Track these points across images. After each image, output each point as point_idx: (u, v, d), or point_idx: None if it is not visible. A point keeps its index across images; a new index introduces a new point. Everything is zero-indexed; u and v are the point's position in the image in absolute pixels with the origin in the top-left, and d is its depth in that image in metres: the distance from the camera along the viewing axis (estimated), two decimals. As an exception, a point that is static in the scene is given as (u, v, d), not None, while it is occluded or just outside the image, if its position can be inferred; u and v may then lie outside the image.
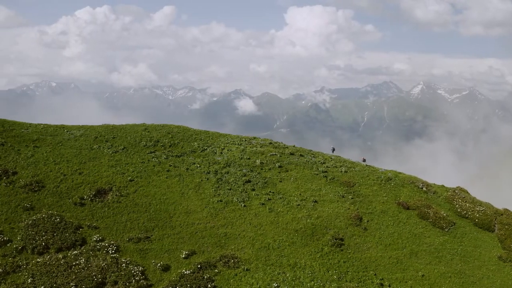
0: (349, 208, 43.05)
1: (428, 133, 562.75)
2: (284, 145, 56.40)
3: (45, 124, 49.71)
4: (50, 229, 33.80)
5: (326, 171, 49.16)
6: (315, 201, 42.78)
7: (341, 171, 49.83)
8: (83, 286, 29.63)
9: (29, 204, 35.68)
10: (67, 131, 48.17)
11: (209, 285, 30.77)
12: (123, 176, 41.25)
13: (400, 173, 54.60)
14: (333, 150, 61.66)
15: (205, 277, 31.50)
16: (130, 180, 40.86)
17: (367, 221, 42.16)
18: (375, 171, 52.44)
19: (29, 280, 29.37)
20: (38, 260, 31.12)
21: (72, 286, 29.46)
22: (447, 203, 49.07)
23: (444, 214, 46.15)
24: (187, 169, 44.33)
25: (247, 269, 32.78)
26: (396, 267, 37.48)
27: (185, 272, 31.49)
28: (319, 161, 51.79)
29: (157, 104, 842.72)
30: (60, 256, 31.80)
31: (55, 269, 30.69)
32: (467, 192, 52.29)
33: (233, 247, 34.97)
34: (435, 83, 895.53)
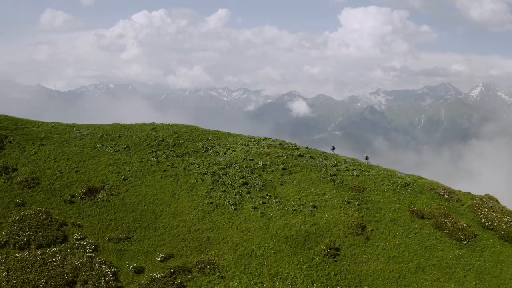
0: (352, 215, 39.84)
1: (487, 137, 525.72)
2: (295, 146, 53.81)
3: (56, 123, 51.02)
4: (34, 225, 34.14)
5: (335, 175, 46.09)
6: (314, 207, 40.03)
7: (352, 175, 46.48)
8: (53, 283, 29.42)
9: (21, 200, 36.37)
10: (76, 130, 49.07)
11: (178, 291, 29.44)
12: (117, 175, 41.08)
13: (421, 178, 50.10)
14: (333, 148, 58.27)
15: (176, 282, 30.17)
16: (124, 179, 40.57)
17: (371, 230, 38.73)
18: (392, 175, 48.45)
19: (3, 274, 29.63)
20: (17, 255, 31.41)
21: (43, 282, 29.35)
22: (470, 213, 44.16)
23: (465, 225, 41.47)
24: (184, 169, 43.37)
25: (222, 277, 31.00)
26: (397, 282, 33.91)
27: (156, 276, 30.35)
28: (330, 163, 48.75)
29: (212, 106, 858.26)
30: (39, 252, 31.93)
31: (31, 264, 30.77)
32: (497, 201, 46.80)
33: (213, 252, 33.34)
34: (494, 84, 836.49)
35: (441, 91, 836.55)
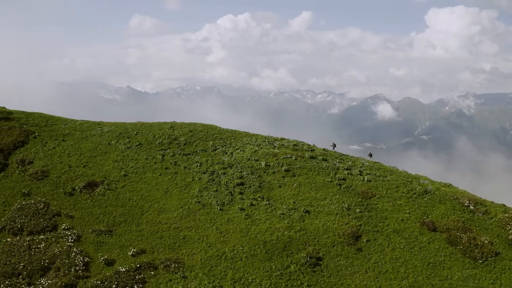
0: (348, 223, 36.83)
1: None
2: (311, 147, 51.24)
3: (83, 121, 54.34)
4: (31, 214, 36.66)
5: (344, 179, 43.05)
6: (307, 211, 37.71)
7: (364, 180, 43.02)
8: (30, 268, 31.38)
9: (27, 191, 39.29)
10: (99, 127, 51.84)
11: (135, 286, 29.58)
12: (120, 171, 42.52)
13: (447, 186, 44.81)
14: (334, 146, 54.30)
15: (137, 277, 30.37)
16: (124, 175, 41.89)
17: (367, 240, 35.45)
18: (412, 182, 43.89)
19: (-8, 256, 32.24)
20: (8, 239, 34.00)
21: (21, 266, 31.44)
22: (498, 227, 38.40)
23: (486, 241, 36.18)
24: (185, 167, 43.55)
25: (184, 276, 30.49)
26: (382, 300, 30.63)
27: (121, 270, 30.83)
28: (343, 167, 45.64)
29: (297, 108, 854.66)
30: (28, 238, 34.23)
31: (17, 249, 33.14)
32: (535, 217, 40.01)
33: (184, 251, 32.94)
34: None
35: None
